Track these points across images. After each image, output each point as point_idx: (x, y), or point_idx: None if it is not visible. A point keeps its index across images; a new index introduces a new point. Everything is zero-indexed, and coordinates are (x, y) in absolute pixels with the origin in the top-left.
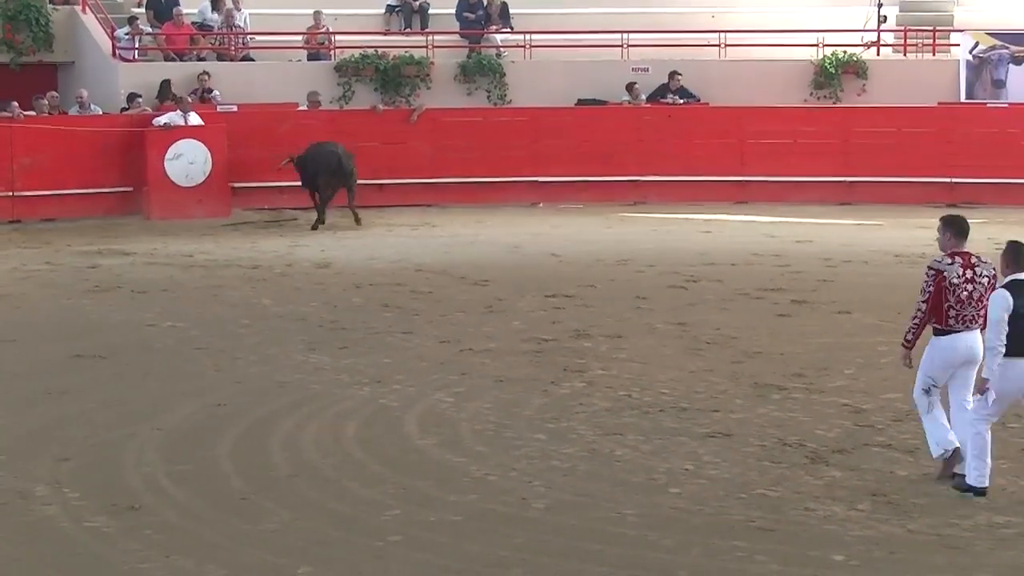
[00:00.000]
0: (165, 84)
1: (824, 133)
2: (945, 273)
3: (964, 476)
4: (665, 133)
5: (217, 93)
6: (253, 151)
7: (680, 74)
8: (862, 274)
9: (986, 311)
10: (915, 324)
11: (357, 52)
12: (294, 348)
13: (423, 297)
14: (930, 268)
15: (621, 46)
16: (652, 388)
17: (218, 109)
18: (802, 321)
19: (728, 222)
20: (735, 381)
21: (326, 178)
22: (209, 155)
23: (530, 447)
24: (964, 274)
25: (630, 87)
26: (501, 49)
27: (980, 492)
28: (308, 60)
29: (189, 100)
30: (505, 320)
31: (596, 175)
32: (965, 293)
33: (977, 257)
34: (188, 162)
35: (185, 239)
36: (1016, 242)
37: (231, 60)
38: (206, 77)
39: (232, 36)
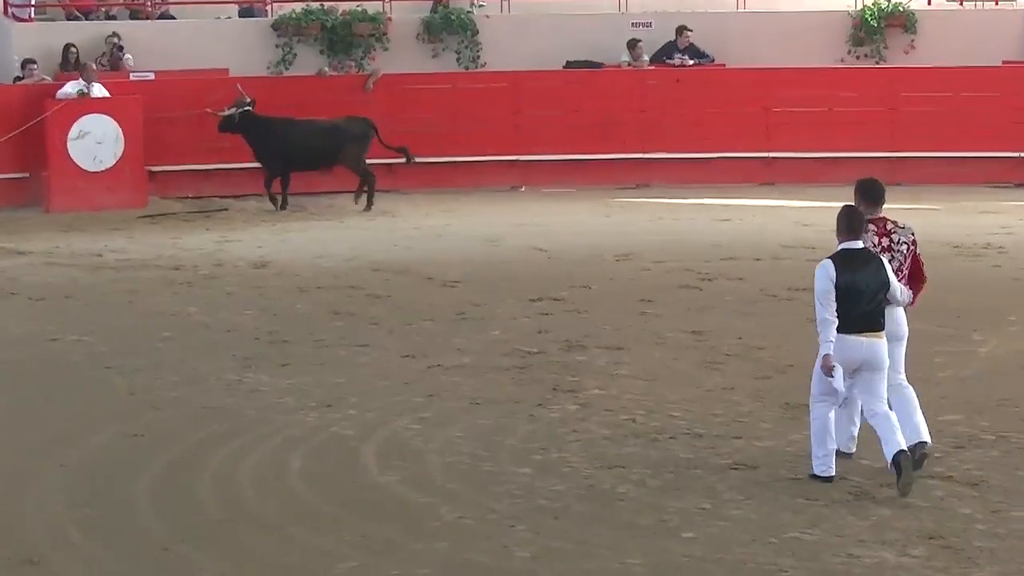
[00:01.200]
0: (67, 48)
1: (865, 99)
2: None
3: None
4: (673, 101)
5: (130, 58)
6: (174, 128)
7: (690, 29)
8: None
9: (905, 281)
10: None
11: (298, 7)
12: (225, 365)
13: (382, 302)
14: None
15: None
16: (660, 411)
17: (131, 77)
18: None
19: (751, 208)
20: (761, 401)
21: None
22: (121, 133)
23: (513, 483)
24: (880, 243)
25: (630, 46)
26: (474, 1)
27: (825, 480)
28: (240, 17)
29: (94, 68)
30: (481, 329)
31: (590, 152)
32: None
33: (894, 223)
34: (95, 142)
35: (92, 235)
36: (850, 206)
37: (147, 19)
38: (116, 39)
39: None
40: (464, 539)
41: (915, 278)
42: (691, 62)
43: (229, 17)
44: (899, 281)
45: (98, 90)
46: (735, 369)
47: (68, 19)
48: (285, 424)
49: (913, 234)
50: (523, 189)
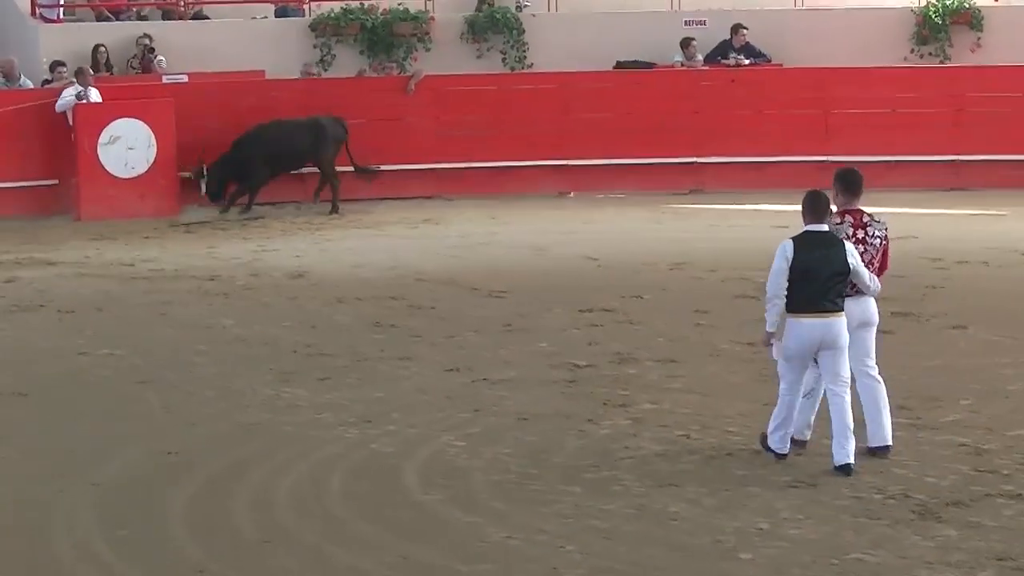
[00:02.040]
0: (96, 49)
1: (929, 100)
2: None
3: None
4: (728, 103)
5: (162, 60)
6: (208, 132)
7: (746, 28)
8: (981, 278)
9: (876, 272)
10: None
11: (337, 6)
12: (262, 380)
13: (424, 313)
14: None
15: None
16: (716, 426)
17: (164, 80)
18: (906, 339)
19: None
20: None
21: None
22: (153, 138)
23: (562, 503)
24: (855, 234)
25: (683, 45)
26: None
27: (780, 458)
28: (276, 16)
29: (90, 72)
30: (529, 342)
31: (641, 156)
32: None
33: (870, 216)
34: (127, 147)
35: (124, 244)
36: (815, 191)
37: (180, 19)
38: (148, 40)
39: None
40: (511, 561)
41: (881, 269)
42: (747, 62)
43: (265, 17)
44: (873, 272)
45: (94, 95)
46: None
47: (98, 20)
48: (324, 441)
49: (887, 229)
50: (572, 195)
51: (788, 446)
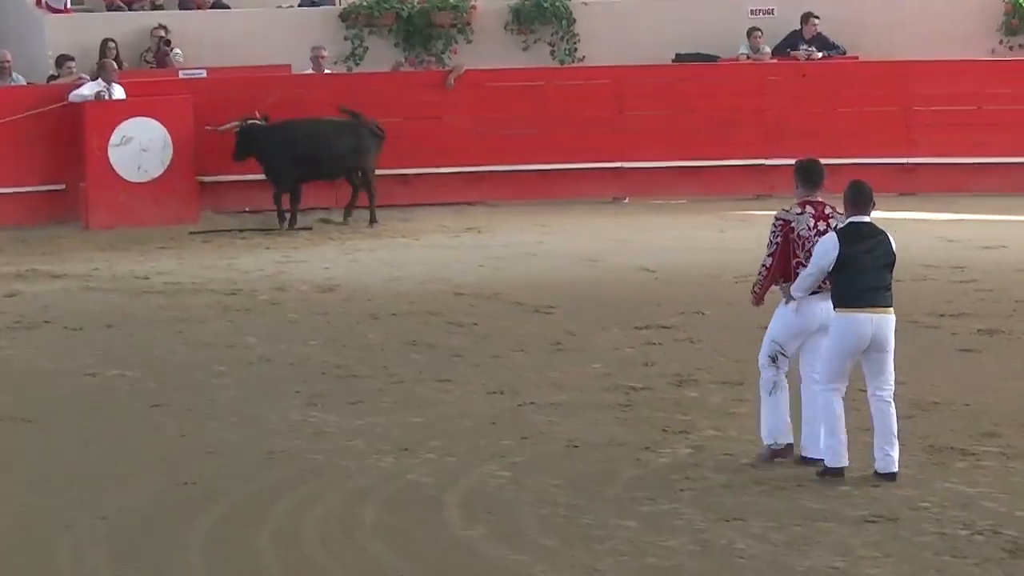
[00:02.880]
0: (105, 44)
1: (1020, 96)
2: (793, 224)
3: (822, 461)
4: (798, 99)
5: (179, 53)
6: (230, 132)
7: (818, 17)
8: None
9: None
10: (761, 279)
11: None
12: (288, 404)
13: (465, 331)
14: (777, 218)
15: None
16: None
17: (181, 75)
18: (995, 359)
19: (888, 222)
20: (901, 443)
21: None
22: (169, 139)
23: (617, 538)
24: (816, 226)
25: (749, 35)
26: None
27: (837, 472)
28: (301, 6)
29: (115, 66)
30: (580, 362)
31: (703, 158)
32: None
33: (832, 207)
34: (140, 148)
35: (137, 255)
36: (856, 182)
37: (198, 8)
38: (163, 32)
39: None
40: None
41: None
42: (819, 54)
43: (291, 6)
44: None
45: (118, 92)
46: None
47: (109, 9)
48: (356, 471)
49: None
50: (627, 201)
51: (845, 456)
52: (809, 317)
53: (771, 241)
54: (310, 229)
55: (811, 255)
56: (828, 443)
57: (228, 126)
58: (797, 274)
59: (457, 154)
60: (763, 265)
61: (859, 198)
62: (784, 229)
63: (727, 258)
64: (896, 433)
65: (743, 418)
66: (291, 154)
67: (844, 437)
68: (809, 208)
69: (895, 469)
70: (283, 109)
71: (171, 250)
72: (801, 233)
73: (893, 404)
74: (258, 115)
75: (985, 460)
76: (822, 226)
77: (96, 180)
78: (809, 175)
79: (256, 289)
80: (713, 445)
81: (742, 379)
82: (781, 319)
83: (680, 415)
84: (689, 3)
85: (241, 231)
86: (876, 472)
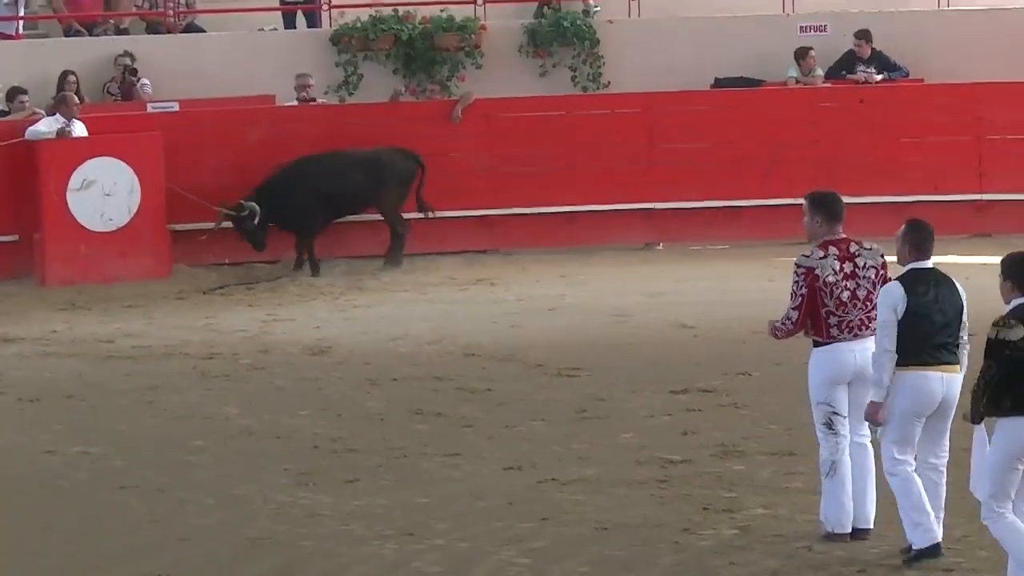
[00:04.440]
0: (64, 77)
1: None
2: (817, 271)
3: (910, 547)
4: (856, 127)
5: (147, 84)
6: (205, 173)
7: (866, 36)
8: None
9: (876, 311)
10: (783, 333)
11: (365, 12)
12: (275, 483)
13: (478, 398)
14: (798, 266)
15: None
16: None
17: (149, 109)
18: None
19: (960, 267)
20: (979, 522)
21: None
22: (136, 181)
23: None
24: (842, 268)
25: (799, 56)
26: (591, 1)
27: (930, 553)
28: (288, 28)
29: (76, 101)
30: (609, 432)
31: (747, 197)
32: (847, 293)
33: (858, 244)
34: (103, 193)
35: (101, 315)
36: (917, 221)
37: (168, 32)
38: (129, 60)
39: None
40: None
41: None
42: (879, 77)
43: (275, 28)
44: (872, 310)
45: (79, 129)
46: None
47: (67, 35)
48: (353, 559)
49: (883, 256)
50: (660, 247)
51: (938, 535)
52: (839, 364)
53: (795, 293)
54: (279, 278)
55: (842, 304)
56: (915, 520)
57: (219, 224)
58: (828, 326)
59: (466, 195)
60: (788, 319)
61: (920, 240)
62: (808, 278)
63: (775, 311)
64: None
65: (795, 494)
66: (315, 193)
67: (931, 511)
68: (832, 249)
69: (939, 539)
70: (267, 145)
71: (139, 309)
72: (827, 280)
73: (945, 475)
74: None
75: None
76: (849, 267)
77: (53, 230)
78: (830, 208)
79: (237, 352)
80: (762, 525)
81: (793, 449)
82: (811, 371)
83: (724, 491)
84: (730, 21)
85: (256, 283)
86: (913, 548)
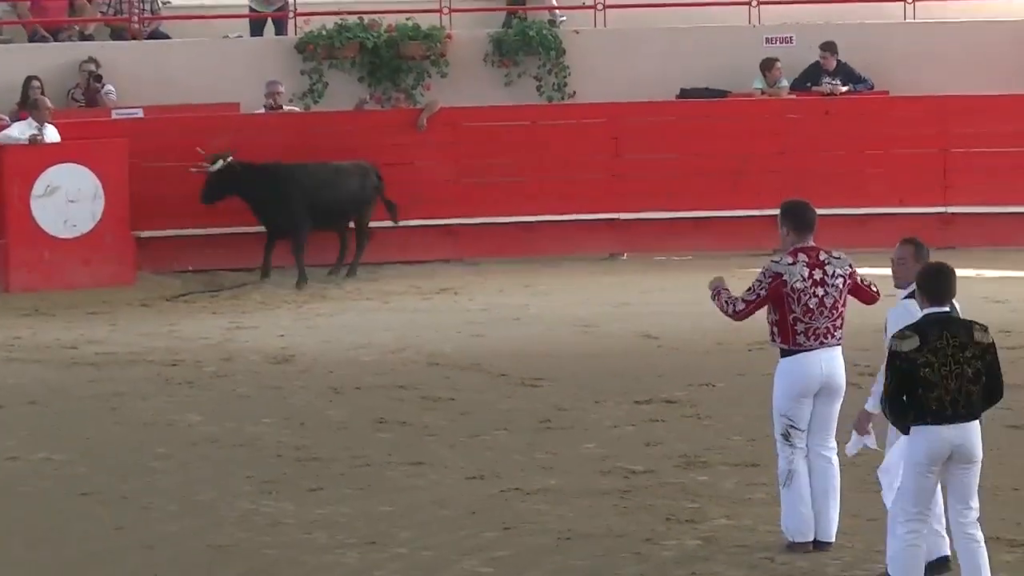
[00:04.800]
0: (28, 82)
1: None
2: (785, 277)
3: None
4: (821, 139)
5: (111, 90)
6: (170, 181)
7: (832, 47)
8: None
9: (842, 320)
10: (727, 313)
11: (330, 20)
12: (238, 491)
13: (442, 407)
14: (767, 269)
15: (748, 3)
16: None
17: (114, 115)
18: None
19: None
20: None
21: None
22: (100, 188)
23: None
24: (811, 275)
25: (765, 68)
26: (558, 11)
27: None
28: (252, 36)
29: (48, 105)
30: (572, 442)
31: (713, 208)
32: (814, 300)
33: (827, 252)
34: (67, 200)
35: (65, 322)
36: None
37: (133, 39)
38: (93, 66)
39: (134, 1)
40: None
41: (868, 302)
42: (843, 88)
43: (240, 36)
44: (838, 319)
45: (51, 133)
46: None
47: (31, 40)
48: (317, 567)
49: (851, 265)
50: (625, 257)
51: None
52: (806, 375)
53: (753, 288)
54: (245, 285)
55: (809, 311)
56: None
57: (210, 167)
58: (795, 332)
59: (430, 205)
60: (735, 304)
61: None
62: (775, 283)
63: (740, 323)
64: None
65: (759, 505)
66: (308, 201)
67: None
68: (802, 256)
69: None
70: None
71: (103, 316)
72: (795, 286)
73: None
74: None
75: None
76: (818, 275)
77: (16, 236)
78: (800, 219)
79: (200, 360)
80: (725, 536)
81: (757, 460)
82: (777, 381)
83: (687, 502)
84: (696, 31)
85: (220, 290)
86: None
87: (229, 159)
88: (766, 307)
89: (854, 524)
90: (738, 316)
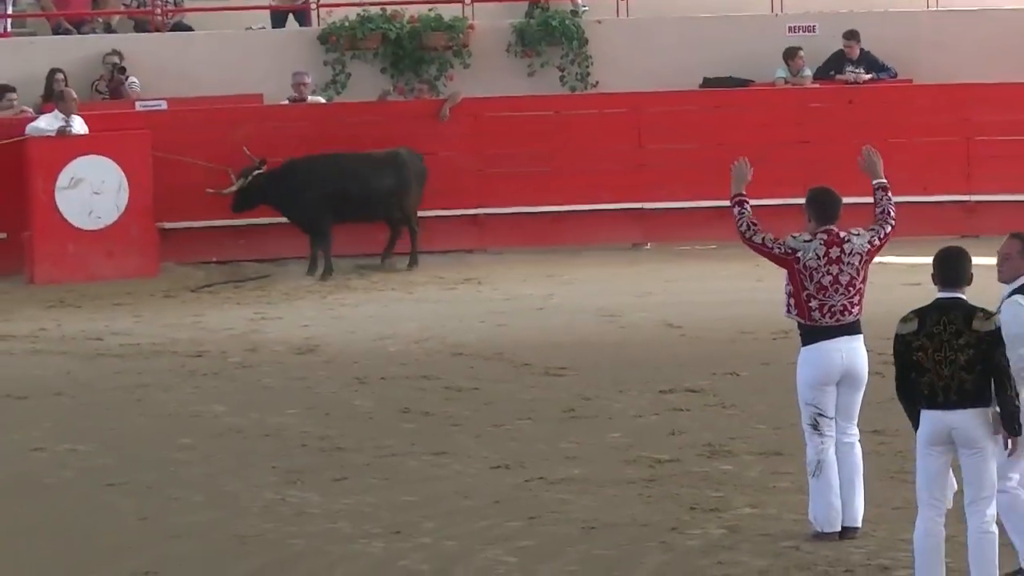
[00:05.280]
0: (52, 75)
1: None
2: (799, 254)
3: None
4: (844, 128)
5: (135, 82)
6: (194, 172)
7: (856, 35)
8: None
9: (860, 296)
10: (739, 227)
11: (353, 12)
12: (263, 481)
13: (466, 396)
14: (785, 242)
15: None
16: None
17: (137, 107)
18: None
19: None
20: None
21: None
22: (124, 180)
23: None
24: (828, 253)
25: (788, 56)
26: (580, 1)
27: None
28: (274, 27)
29: (74, 96)
30: (596, 431)
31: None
32: (828, 278)
33: (848, 231)
34: (91, 191)
35: (90, 313)
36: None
37: (156, 31)
38: (117, 58)
39: None
40: None
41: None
42: (867, 76)
43: (263, 28)
44: (855, 296)
45: (79, 124)
46: None
47: (55, 33)
48: (341, 557)
49: (873, 240)
50: (648, 247)
51: None
52: (826, 364)
53: (770, 241)
54: (268, 277)
55: (823, 288)
56: None
57: (232, 188)
58: (810, 308)
59: (453, 195)
60: (745, 228)
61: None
62: (789, 257)
63: (763, 311)
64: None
65: (783, 493)
66: (323, 193)
67: None
68: (821, 236)
69: None
70: (254, 144)
71: (128, 307)
72: (808, 263)
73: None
74: (253, 159)
75: None
76: (835, 252)
77: (42, 228)
78: (822, 207)
79: (225, 351)
80: (750, 525)
81: (781, 449)
82: (799, 371)
83: (711, 491)
84: (718, 21)
85: (244, 281)
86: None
87: (255, 173)
88: (784, 279)
89: (879, 513)
90: (742, 237)
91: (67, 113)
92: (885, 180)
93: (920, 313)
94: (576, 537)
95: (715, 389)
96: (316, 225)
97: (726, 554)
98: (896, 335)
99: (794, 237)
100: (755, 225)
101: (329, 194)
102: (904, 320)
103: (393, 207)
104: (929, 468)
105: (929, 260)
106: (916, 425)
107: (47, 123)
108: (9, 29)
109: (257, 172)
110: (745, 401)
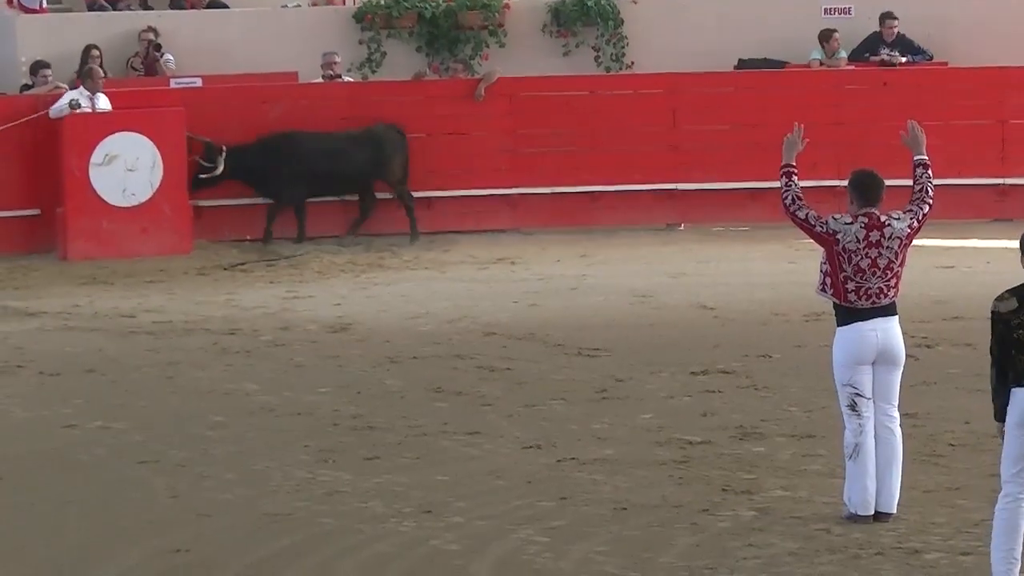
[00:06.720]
0: (87, 51)
1: None
2: (839, 235)
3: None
4: (879, 110)
5: (170, 59)
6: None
7: (896, 17)
8: None
9: (898, 279)
10: (783, 198)
11: None
12: (295, 460)
13: (498, 376)
14: (826, 222)
15: None
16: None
17: (172, 84)
18: None
19: (982, 251)
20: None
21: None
22: (158, 157)
23: None
24: (867, 237)
25: (823, 38)
26: None
27: None
28: (311, 5)
29: (101, 75)
30: (628, 412)
31: (769, 179)
32: (867, 261)
33: (888, 215)
34: (125, 168)
35: (122, 290)
36: None
37: (191, 7)
38: (152, 35)
39: None
40: None
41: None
42: (902, 59)
43: (298, 5)
44: (892, 279)
45: (103, 102)
46: (963, 464)
47: (91, 9)
48: (372, 536)
49: (913, 223)
50: (682, 228)
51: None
52: (861, 344)
53: (813, 219)
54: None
55: (860, 271)
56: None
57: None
58: (847, 291)
59: (488, 174)
60: (791, 202)
61: None
62: (828, 238)
63: (796, 293)
64: None
65: (814, 476)
66: (303, 168)
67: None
68: (862, 219)
69: None
70: (289, 122)
71: (161, 284)
72: (847, 246)
73: None
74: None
75: None
76: (875, 236)
77: (75, 205)
78: (866, 190)
79: (257, 328)
80: (781, 507)
81: (813, 431)
82: (834, 352)
83: (743, 473)
84: (754, 2)
85: (277, 259)
86: None
87: (224, 155)
88: (821, 256)
89: (911, 496)
90: (786, 210)
91: (92, 91)
92: (927, 157)
93: (1016, 292)
94: (607, 518)
95: (747, 371)
96: (290, 199)
97: (757, 536)
98: (994, 312)
99: (835, 218)
100: (800, 200)
101: (304, 170)
102: (1000, 299)
103: (370, 183)
104: (1017, 448)
105: (962, 244)
106: (1000, 408)
107: (68, 98)
108: (45, 5)
109: (227, 152)
110: (777, 383)
